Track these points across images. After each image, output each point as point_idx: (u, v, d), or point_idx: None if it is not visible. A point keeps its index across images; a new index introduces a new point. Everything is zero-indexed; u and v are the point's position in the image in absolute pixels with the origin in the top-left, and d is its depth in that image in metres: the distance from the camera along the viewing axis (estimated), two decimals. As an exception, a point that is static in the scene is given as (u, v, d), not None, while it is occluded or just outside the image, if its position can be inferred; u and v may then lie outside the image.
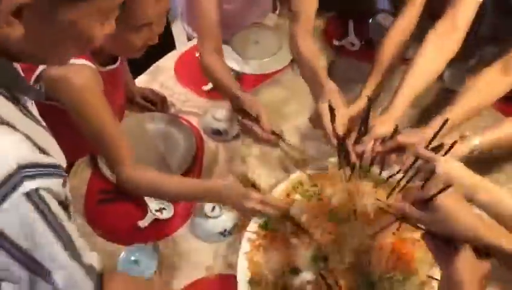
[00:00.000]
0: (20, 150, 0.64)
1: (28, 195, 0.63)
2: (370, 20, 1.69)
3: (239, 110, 1.39)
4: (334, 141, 1.16)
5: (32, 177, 0.64)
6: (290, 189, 1.24)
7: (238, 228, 1.24)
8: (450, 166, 0.94)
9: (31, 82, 1.02)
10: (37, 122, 0.76)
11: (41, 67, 1.01)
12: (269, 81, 1.61)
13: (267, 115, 1.34)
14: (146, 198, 1.27)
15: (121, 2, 0.71)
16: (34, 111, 0.78)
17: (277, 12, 1.88)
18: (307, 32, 1.35)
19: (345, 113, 1.18)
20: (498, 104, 1.36)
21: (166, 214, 1.26)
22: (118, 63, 1.19)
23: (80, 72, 1.02)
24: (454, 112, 1.15)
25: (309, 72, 1.30)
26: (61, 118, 1.01)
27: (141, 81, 1.61)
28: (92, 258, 0.76)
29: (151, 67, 1.67)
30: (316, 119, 1.22)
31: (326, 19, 1.77)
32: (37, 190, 0.64)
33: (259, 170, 1.36)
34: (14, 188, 0.62)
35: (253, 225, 1.19)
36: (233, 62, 1.64)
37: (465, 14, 1.22)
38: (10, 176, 0.62)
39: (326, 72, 1.35)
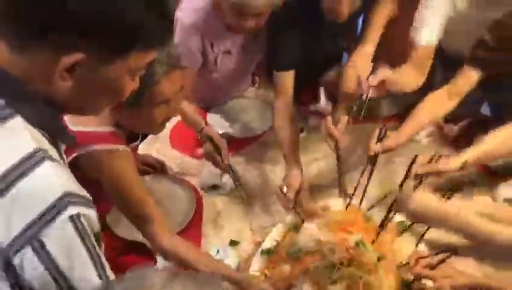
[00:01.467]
0: (66, 181, 0.78)
1: (71, 218, 0.75)
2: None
3: (206, 137, 1.60)
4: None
5: (75, 204, 0.76)
6: (286, 231, 1.40)
7: (241, 269, 1.36)
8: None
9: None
10: (67, 167, 0.87)
11: (80, 150, 1.16)
12: (256, 143, 1.82)
13: (226, 149, 1.57)
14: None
15: (147, 63, 0.85)
16: (64, 157, 0.90)
17: (256, 85, 2.13)
18: (285, 107, 1.66)
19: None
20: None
21: (174, 262, 1.38)
22: (139, 141, 1.37)
23: (121, 155, 1.21)
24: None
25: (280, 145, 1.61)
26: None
27: (140, 149, 1.78)
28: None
29: (148, 138, 1.84)
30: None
31: (301, 88, 2.02)
32: (78, 215, 0.76)
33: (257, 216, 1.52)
34: (61, 211, 0.74)
35: (255, 265, 1.33)
36: (223, 127, 1.85)
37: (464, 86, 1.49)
38: (59, 200, 0.74)
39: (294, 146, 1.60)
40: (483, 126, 1.57)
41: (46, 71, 0.75)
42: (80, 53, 0.74)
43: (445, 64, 1.78)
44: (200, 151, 1.74)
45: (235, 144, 1.80)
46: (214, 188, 1.59)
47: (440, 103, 1.52)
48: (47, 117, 0.81)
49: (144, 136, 1.75)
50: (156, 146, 1.81)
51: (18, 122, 0.77)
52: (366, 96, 1.50)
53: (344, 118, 1.52)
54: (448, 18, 1.53)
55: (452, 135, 1.74)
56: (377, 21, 1.65)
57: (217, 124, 1.87)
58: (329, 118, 1.54)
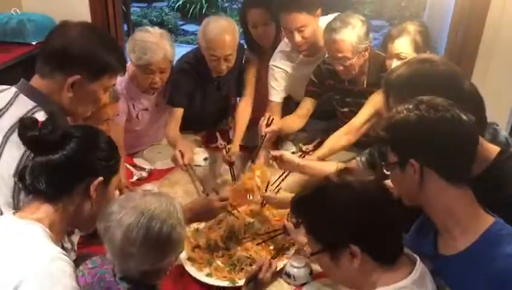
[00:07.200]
0: None
1: None
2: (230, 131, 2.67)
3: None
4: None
5: None
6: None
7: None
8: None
9: None
10: None
11: None
12: (172, 171, 2.42)
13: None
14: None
15: (115, 84, 1.52)
16: None
17: (168, 138, 2.78)
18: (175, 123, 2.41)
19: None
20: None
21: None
22: None
23: None
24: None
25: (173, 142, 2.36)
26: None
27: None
28: None
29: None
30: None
31: (204, 134, 2.72)
32: None
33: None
34: None
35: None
36: (146, 164, 2.44)
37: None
38: None
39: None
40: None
41: (59, 88, 1.37)
42: (77, 75, 1.37)
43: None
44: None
45: (158, 173, 2.39)
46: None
47: (293, 120, 2.36)
48: (58, 113, 1.38)
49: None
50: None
51: (41, 115, 1.36)
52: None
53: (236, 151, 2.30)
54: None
55: None
56: (249, 77, 2.48)
57: (143, 164, 2.46)
58: (224, 152, 2.27)
